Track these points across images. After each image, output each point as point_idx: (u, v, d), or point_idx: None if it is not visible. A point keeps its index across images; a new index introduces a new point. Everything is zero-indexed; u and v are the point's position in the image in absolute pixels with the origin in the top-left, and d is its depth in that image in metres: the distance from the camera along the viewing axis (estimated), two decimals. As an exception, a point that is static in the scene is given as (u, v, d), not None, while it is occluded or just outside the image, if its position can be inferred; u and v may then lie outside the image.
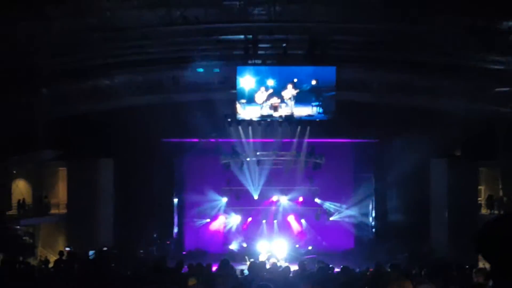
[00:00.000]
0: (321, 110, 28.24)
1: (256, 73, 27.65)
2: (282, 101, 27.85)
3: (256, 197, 35.39)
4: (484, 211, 33.75)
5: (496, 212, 32.63)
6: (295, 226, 36.14)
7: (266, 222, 35.69)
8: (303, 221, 36.14)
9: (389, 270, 16.48)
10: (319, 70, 27.56)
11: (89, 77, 29.06)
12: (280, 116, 28.25)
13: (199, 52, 27.48)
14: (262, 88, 27.50)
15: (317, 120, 28.42)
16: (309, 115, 28.43)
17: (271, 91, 27.57)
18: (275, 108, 27.89)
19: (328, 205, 35.97)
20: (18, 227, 28.94)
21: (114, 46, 26.03)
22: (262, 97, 27.66)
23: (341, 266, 16.92)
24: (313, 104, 28.14)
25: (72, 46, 24.68)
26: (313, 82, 27.57)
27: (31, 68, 25.12)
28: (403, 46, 26.16)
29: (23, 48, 23.37)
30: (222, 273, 14.24)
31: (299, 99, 27.87)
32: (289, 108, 28.04)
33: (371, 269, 20.07)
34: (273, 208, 35.88)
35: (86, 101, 30.08)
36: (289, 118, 28.53)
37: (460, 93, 29.55)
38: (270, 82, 27.51)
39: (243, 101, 27.77)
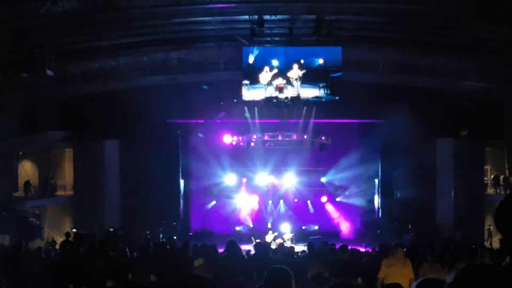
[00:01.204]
0: (329, 92, 28.07)
1: (261, 53, 27.50)
2: (288, 82, 27.67)
3: (262, 178, 35.40)
4: (490, 190, 33.73)
5: (502, 192, 32.58)
6: (301, 206, 36.16)
7: (272, 202, 35.73)
8: (309, 201, 36.15)
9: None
10: (326, 50, 27.40)
11: (95, 58, 29.00)
12: (286, 98, 28.11)
13: (205, 33, 27.45)
14: (267, 68, 27.24)
15: (323, 100, 28.30)
16: (317, 97, 28.29)
17: (276, 71, 27.33)
18: (280, 89, 27.66)
19: (334, 185, 35.99)
20: (25, 208, 29.00)
21: (120, 27, 25.92)
22: (266, 77, 27.41)
23: (349, 248, 16.93)
24: (321, 85, 28.01)
25: (78, 27, 24.57)
26: (320, 61, 27.38)
27: (36, 49, 25.07)
28: (409, 26, 25.99)
29: (28, 29, 23.31)
30: (229, 254, 14.24)
31: (306, 80, 27.74)
32: (295, 89, 27.83)
33: (374, 249, 20.12)
34: (280, 189, 35.88)
35: (91, 82, 30.02)
36: (295, 100, 28.41)
37: (466, 73, 29.40)
38: (275, 62, 27.35)
39: (247, 82, 27.66)
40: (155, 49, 29.17)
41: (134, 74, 30.21)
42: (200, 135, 33.78)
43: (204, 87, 30.75)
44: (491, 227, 30.30)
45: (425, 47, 28.70)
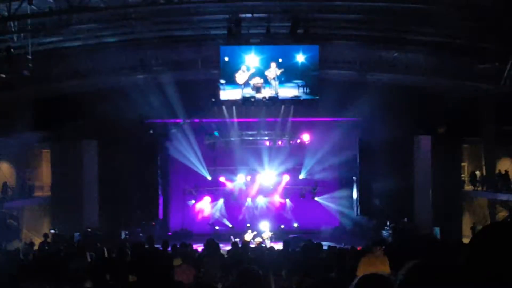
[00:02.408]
0: (308, 91, 28.07)
1: (237, 52, 27.48)
2: (266, 81, 27.63)
3: (240, 176, 35.45)
4: (467, 187, 34.01)
5: (479, 188, 32.86)
6: (280, 205, 36.22)
7: (250, 201, 35.77)
8: (287, 200, 36.22)
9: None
10: (304, 48, 27.49)
11: (72, 58, 28.84)
12: (264, 98, 28.12)
13: (182, 32, 27.44)
14: (243, 67, 27.31)
15: (301, 99, 28.38)
16: (295, 96, 28.31)
17: (253, 70, 27.40)
18: (257, 88, 27.68)
19: (313, 184, 36.08)
20: (2, 210, 28.79)
21: (96, 27, 25.81)
22: (243, 77, 27.42)
23: (327, 245, 17.00)
24: (299, 84, 27.99)
25: (54, 27, 24.45)
26: (299, 59, 27.37)
27: (12, 49, 24.89)
28: (386, 23, 26.11)
29: (3, 29, 23.15)
30: (208, 253, 14.26)
31: (284, 79, 27.70)
32: (273, 88, 27.84)
33: (359, 248, 20.17)
34: (258, 187, 35.91)
35: (68, 82, 29.85)
36: (274, 99, 28.44)
37: (443, 70, 29.60)
38: (252, 61, 27.35)
39: (223, 81, 27.62)
40: (133, 49, 29.07)
41: (111, 74, 30.10)
42: (216, 133, 33.76)
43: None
44: (476, 226, 30.36)
45: (401, 44, 28.83)
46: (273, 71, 27.47)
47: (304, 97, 28.10)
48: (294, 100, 28.80)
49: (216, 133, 33.07)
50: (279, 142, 34.33)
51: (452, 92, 30.89)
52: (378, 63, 30.10)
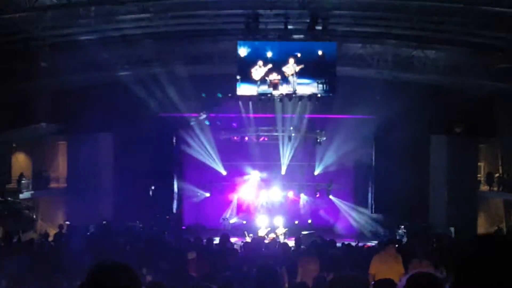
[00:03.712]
0: (327, 88, 27.62)
1: (254, 47, 27.14)
2: (283, 78, 27.27)
3: (255, 172, 35.43)
4: (483, 188, 33.79)
5: (495, 189, 32.64)
6: (294, 201, 36.17)
7: (265, 197, 35.71)
8: (302, 196, 36.16)
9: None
10: (323, 44, 27.11)
11: (89, 50, 28.91)
12: (281, 95, 27.80)
13: (200, 26, 27.46)
14: (260, 62, 26.82)
15: (318, 96, 28.10)
16: (314, 94, 27.99)
17: (270, 66, 26.99)
18: (274, 85, 27.11)
19: (328, 181, 36.00)
20: (18, 200, 28.96)
21: (113, 19, 25.85)
22: (259, 72, 26.88)
23: (342, 243, 16.95)
24: (319, 81, 27.48)
25: (69, 19, 24.58)
26: (320, 53, 26.85)
27: (30, 41, 25.05)
28: (404, 21, 25.99)
29: (22, 21, 23.26)
30: (222, 248, 14.28)
31: (303, 76, 27.25)
32: (291, 85, 27.35)
33: (367, 245, 20.17)
34: (273, 183, 35.86)
35: (85, 75, 29.95)
36: (291, 97, 28.22)
37: (461, 69, 29.46)
38: (270, 56, 26.98)
39: (238, 77, 27.21)
40: (150, 42, 29.09)
41: (128, 67, 30.17)
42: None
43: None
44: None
45: (419, 42, 28.71)
46: (291, 67, 26.96)
47: (321, 94, 27.77)
48: (311, 97, 28.53)
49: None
50: (295, 139, 34.18)
51: (469, 91, 30.72)
52: (395, 61, 29.98)
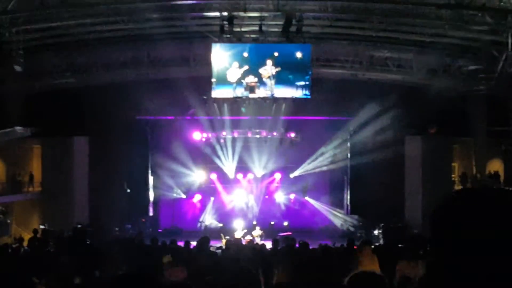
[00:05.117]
0: (308, 92, 27.15)
1: (230, 48, 26.81)
2: (260, 80, 26.93)
3: (232, 174, 35.45)
4: (458, 187, 34.02)
5: (469, 189, 32.85)
6: (270, 203, 36.22)
7: (241, 199, 35.75)
8: (278, 198, 36.24)
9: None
10: (299, 46, 26.83)
11: (64, 53, 28.79)
12: (258, 98, 27.49)
13: (175, 29, 27.41)
14: (235, 64, 26.54)
15: (292, 97, 27.94)
16: (293, 96, 27.55)
17: (246, 68, 26.71)
18: (251, 88, 26.81)
19: (303, 182, 36.10)
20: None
21: (89, 22, 25.76)
22: (235, 74, 26.62)
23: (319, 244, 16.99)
24: (298, 84, 27.11)
25: (45, 21, 24.45)
26: (298, 55, 26.56)
27: (3, 44, 24.84)
28: (377, 23, 26.11)
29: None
30: (200, 250, 14.24)
31: (281, 79, 26.91)
32: (269, 89, 26.97)
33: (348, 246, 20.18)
34: (249, 185, 35.91)
35: (60, 78, 29.80)
36: (268, 100, 28.02)
37: (434, 70, 29.69)
38: (245, 56, 26.66)
39: (213, 80, 26.84)
40: (125, 45, 29.01)
41: (103, 70, 30.04)
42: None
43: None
44: None
45: (393, 43, 28.90)
46: (268, 69, 26.76)
47: (300, 96, 27.55)
48: (286, 99, 28.39)
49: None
50: (271, 141, 34.19)
51: (443, 92, 30.95)
52: (369, 62, 30.16)
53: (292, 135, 33.97)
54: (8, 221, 29.57)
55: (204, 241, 14.41)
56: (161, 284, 3.83)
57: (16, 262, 14.08)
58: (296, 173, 35.91)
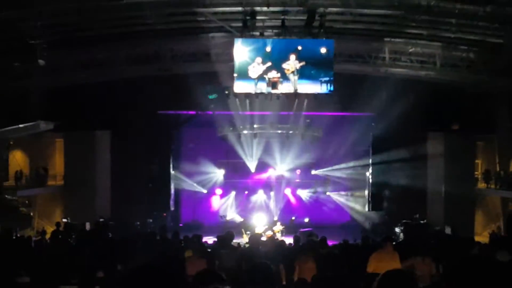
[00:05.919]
0: (332, 88, 26.52)
1: (252, 43, 26.48)
2: (283, 75, 26.44)
3: (253, 170, 35.44)
4: (480, 185, 33.77)
5: (492, 186, 32.60)
6: (291, 199, 36.21)
7: (262, 195, 35.76)
8: (299, 194, 36.21)
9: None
10: (323, 42, 26.25)
11: (87, 48, 28.89)
12: (281, 93, 27.15)
13: (197, 24, 27.38)
14: (258, 59, 26.17)
15: (316, 93, 27.57)
16: (316, 92, 26.94)
17: (269, 63, 26.37)
18: (273, 84, 26.35)
19: (325, 178, 36.06)
20: (15, 198, 28.89)
21: (111, 17, 25.84)
22: (257, 70, 26.25)
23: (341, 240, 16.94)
24: (322, 79, 26.50)
25: (69, 16, 24.55)
26: (323, 51, 26.04)
27: (28, 38, 24.99)
28: (401, 18, 25.95)
29: (19, 18, 23.24)
30: (224, 245, 14.21)
31: (304, 74, 26.38)
32: (292, 84, 26.42)
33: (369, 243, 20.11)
34: (270, 181, 35.91)
35: (83, 72, 29.93)
36: (291, 96, 27.71)
37: (458, 66, 29.48)
38: (268, 50, 26.20)
39: (235, 75, 26.54)
40: (148, 40, 29.04)
41: (126, 65, 30.10)
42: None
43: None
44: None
45: (417, 38, 28.70)
46: (292, 64, 26.18)
47: (323, 92, 27.19)
48: (309, 94, 28.02)
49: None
50: (292, 136, 34.09)
51: (467, 88, 30.74)
52: (393, 57, 29.98)
53: (314, 131, 33.80)
54: (31, 214, 29.75)
55: (228, 237, 14.38)
56: (182, 277, 3.85)
57: (38, 255, 14.17)
58: (318, 169, 35.84)
